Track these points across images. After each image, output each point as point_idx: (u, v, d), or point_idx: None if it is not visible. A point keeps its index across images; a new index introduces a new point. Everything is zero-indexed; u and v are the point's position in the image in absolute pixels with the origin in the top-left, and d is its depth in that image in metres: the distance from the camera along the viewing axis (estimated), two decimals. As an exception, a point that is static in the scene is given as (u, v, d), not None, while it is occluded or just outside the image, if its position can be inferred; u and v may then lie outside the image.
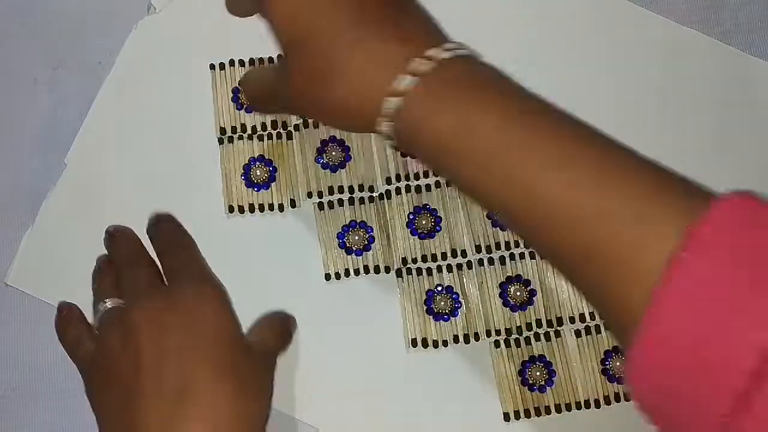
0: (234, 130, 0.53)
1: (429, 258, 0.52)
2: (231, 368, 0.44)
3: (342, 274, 0.51)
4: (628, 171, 0.37)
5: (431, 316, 0.51)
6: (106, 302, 0.48)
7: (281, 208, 0.52)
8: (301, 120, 0.53)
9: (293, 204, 0.52)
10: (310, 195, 0.52)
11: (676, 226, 0.34)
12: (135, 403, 0.43)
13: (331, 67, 0.40)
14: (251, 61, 0.54)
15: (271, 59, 0.54)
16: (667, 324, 0.33)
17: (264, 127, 0.53)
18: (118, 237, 0.51)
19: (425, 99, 0.39)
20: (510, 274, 0.52)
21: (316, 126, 0.53)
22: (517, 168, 0.38)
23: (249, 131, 0.53)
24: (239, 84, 0.53)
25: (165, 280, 0.49)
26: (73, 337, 0.49)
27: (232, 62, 0.54)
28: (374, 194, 0.52)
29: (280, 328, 0.50)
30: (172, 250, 0.50)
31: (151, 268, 0.50)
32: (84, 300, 0.51)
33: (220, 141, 0.53)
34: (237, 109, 0.54)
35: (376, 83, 0.40)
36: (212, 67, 0.54)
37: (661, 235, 0.34)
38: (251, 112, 0.53)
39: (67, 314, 0.50)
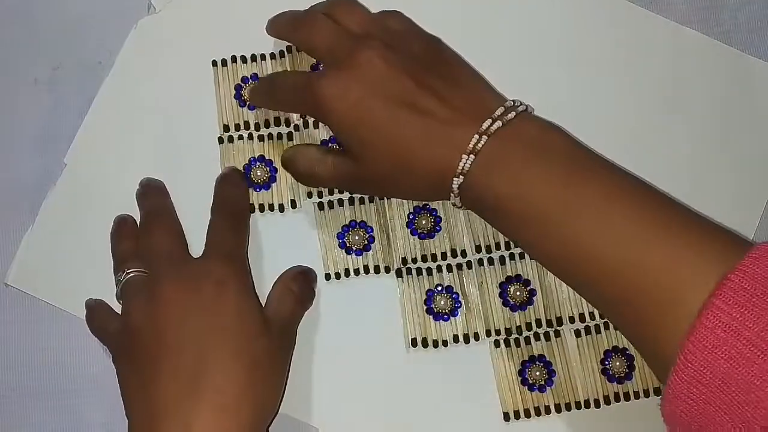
0: (237, 127, 0.53)
1: (429, 258, 0.52)
2: (246, 353, 0.45)
3: (342, 274, 0.51)
4: (669, 223, 0.41)
5: (431, 316, 0.51)
6: (128, 272, 0.48)
7: (281, 208, 0.52)
8: (302, 120, 0.53)
9: (294, 204, 0.52)
10: (310, 195, 0.52)
11: (711, 275, 0.38)
12: (154, 380, 0.44)
13: (401, 163, 0.45)
14: (253, 57, 0.54)
15: (273, 55, 0.54)
16: (697, 364, 0.37)
17: (267, 124, 0.53)
18: (147, 188, 0.52)
19: (482, 173, 0.44)
20: (510, 274, 0.52)
21: (316, 126, 0.53)
22: (563, 231, 0.43)
23: (252, 128, 0.53)
24: (283, 161, 0.52)
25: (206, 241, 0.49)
26: (100, 322, 0.49)
27: (234, 59, 0.54)
28: (374, 194, 0.53)
29: (297, 291, 0.50)
30: (222, 214, 0.50)
31: (178, 238, 0.50)
32: (84, 299, 0.51)
33: (220, 140, 0.53)
34: (240, 105, 0.54)
35: (442, 168, 0.44)
36: (214, 63, 0.54)
37: (696, 283, 0.38)
38: (254, 109, 0.53)
39: (94, 306, 0.50)
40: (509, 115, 0.44)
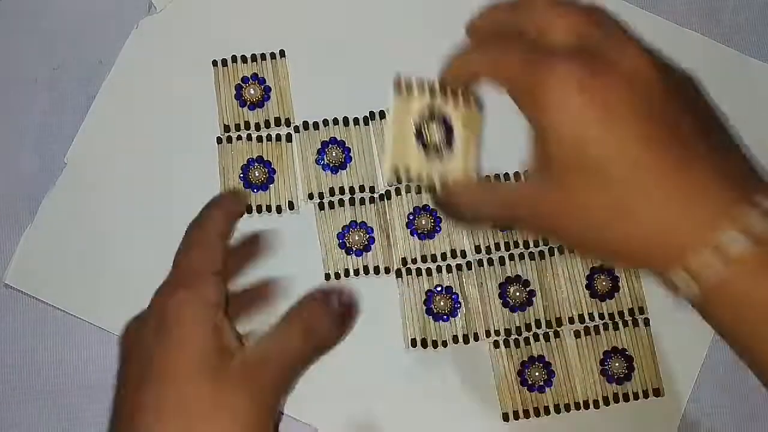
0: (237, 127, 0.53)
1: (429, 258, 0.52)
2: (169, 396, 0.36)
3: (342, 275, 0.52)
4: None
5: (431, 317, 0.51)
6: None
7: (279, 209, 0.52)
8: (302, 121, 0.53)
9: (291, 206, 0.52)
10: (311, 196, 0.52)
11: None
12: (144, 386, 0.37)
13: (625, 204, 0.33)
14: (253, 57, 0.54)
15: (273, 55, 0.54)
16: None
17: (268, 124, 0.53)
18: (221, 202, 0.44)
19: (762, 267, 0.32)
20: (509, 274, 0.52)
21: (316, 128, 0.53)
22: None
23: (252, 128, 0.53)
24: (438, 200, 0.40)
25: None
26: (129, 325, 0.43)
27: (234, 59, 0.54)
28: (374, 195, 0.52)
29: (307, 318, 0.39)
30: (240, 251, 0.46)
31: (212, 256, 0.41)
32: (83, 300, 0.51)
33: (219, 141, 0.53)
34: (240, 106, 0.54)
35: (684, 228, 0.32)
36: (215, 63, 0.54)
37: None
38: (254, 109, 0.53)
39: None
40: None
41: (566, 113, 0.33)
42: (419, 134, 0.38)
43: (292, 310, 0.40)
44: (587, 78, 0.33)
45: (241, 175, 0.53)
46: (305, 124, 0.53)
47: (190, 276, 0.40)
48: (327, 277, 0.52)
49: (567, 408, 0.50)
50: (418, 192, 0.52)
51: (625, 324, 0.52)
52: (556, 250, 0.52)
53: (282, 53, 0.54)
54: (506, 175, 0.53)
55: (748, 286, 0.32)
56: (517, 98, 0.35)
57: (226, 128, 0.53)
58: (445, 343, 0.51)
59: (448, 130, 0.39)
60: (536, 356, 0.51)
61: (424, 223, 0.52)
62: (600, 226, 0.34)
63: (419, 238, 0.52)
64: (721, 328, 0.34)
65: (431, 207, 0.52)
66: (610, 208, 0.33)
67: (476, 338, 0.51)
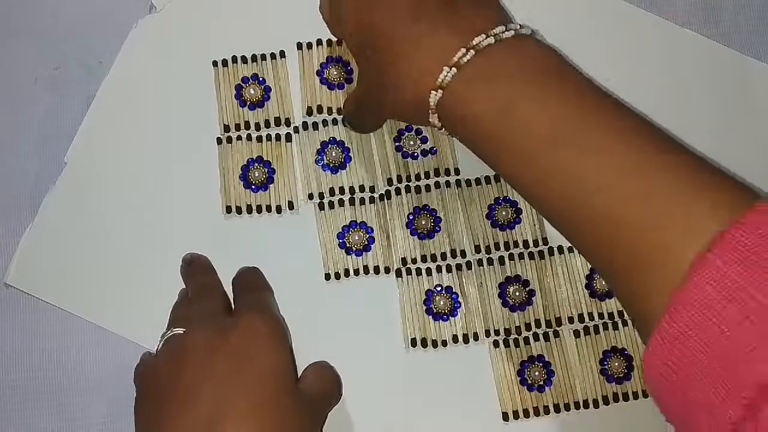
0: (237, 127, 0.53)
1: (428, 258, 0.52)
2: (268, 406, 0.42)
3: (342, 275, 0.52)
4: (677, 163, 0.37)
5: (431, 316, 0.51)
6: (172, 330, 0.47)
7: (279, 209, 0.52)
8: (301, 122, 0.53)
9: (291, 206, 0.52)
10: (311, 197, 0.52)
11: (713, 226, 0.34)
12: (168, 422, 0.42)
13: (392, 66, 0.42)
14: (253, 58, 0.54)
15: (273, 55, 0.54)
16: (683, 324, 0.33)
17: (268, 124, 0.53)
18: (193, 266, 0.51)
19: (465, 89, 0.40)
20: (509, 274, 0.52)
21: (315, 128, 0.53)
22: (552, 157, 0.38)
23: (252, 128, 0.53)
24: (344, 118, 0.52)
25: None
26: (139, 363, 0.49)
27: (234, 59, 0.54)
28: (374, 195, 0.53)
29: (330, 376, 0.49)
30: (245, 290, 0.50)
31: (222, 300, 0.49)
32: (83, 300, 0.51)
33: (219, 141, 0.53)
34: (240, 106, 0.54)
35: (423, 77, 0.41)
36: (215, 63, 0.54)
37: (696, 233, 0.34)
38: (254, 109, 0.53)
39: (144, 357, 0.49)
40: (506, 33, 0.41)
41: (347, 18, 0.44)
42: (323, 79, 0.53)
43: (326, 365, 0.49)
44: None
45: (241, 176, 0.53)
46: (305, 125, 0.53)
47: (268, 310, 0.48)
48: (327, 277, 0.52)
49: (567, 407, 0.50)
50: (418, 192, 0.52)
51: (625, 323, 0.52)
52: (555, 250, 0.52)
53: (282, 53, 0.54)
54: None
55: (466, 94, 0.40)
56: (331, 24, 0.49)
57: (226, 128, 0.53)
58: (444, 343, 0.51)
59: (349, 72, 0.53)
60: (536, 356, 0.51)
61: (423, 223, 0.52)
62: (383, 95, 0.44)
63: (419, 238, 0.52)
64: (483, 157, 0.42)
65: (431, 206, 0.52)
66: (383, 77, 0.43)
67: (476, 338, 0.51)
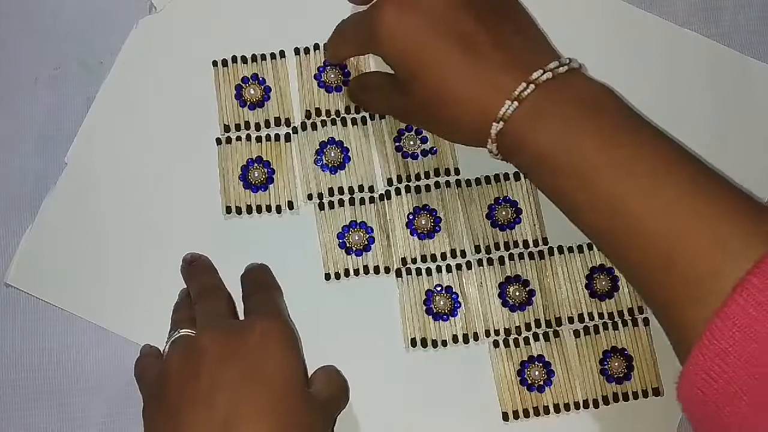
0: (238, 127, 0.53)
1: (428, 258, 0.52)
2: (282, 411, 0.43)
3: (342, 275, 0.52)
4: (719, 197, 0.40)
5: (431, 316, 0.51)
6: (179, 331, 0.47)
7: (279, 209, 0.52)
8: (300, 122, 0.53)
9: (291, 206, 0.52)
10: (310, 197, 0.52)
11: (753, 254, 0.37)
12: (184, 423, 0.42)
13: (444, 97, 0.45)
14: (253, 58, 0.54)
15: (273, 55, 0.54)
16: (724, 341, 0.36)
17: (268, 124, 0.53)
18: (195, 266, 0.51)
19: (526, 120, 0.43)
20: (509, 274, 0.52)
21: (314, 129, 0.53)
22: (609, 188, 0.41)
23: (253, 128, 0.53)
24: (351, 89, 0.53)
25: (244, 316, 0.49)
26: (142, 366, 0.49)
27: (234, 59, 0.54)
28: (374, 195, 0.53)
29: (338, 380, 0.49)
30: (255, 290, 0.50)
31: (227, 301, 0.50)
32: (84, 299, 0.51)
33: (218, 142, 0.53)
34: (240, 106, 0.54)
35: (484, 110, 0.44)
36: (215, 63, 0.54)
37: (736, 260, 0.37)
38: (254, 109, 0.53)
39: (144, 351, 0.50)
40: (561, 69, 0.44)
41: (384, 42, 0.45)
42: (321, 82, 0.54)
43: (333, 369, 0.50)
44: (393, 3, 0.45)
45: (241, 176, 0.53)
46: (303, 125, 0.53)
47: (280, 314, 0.49)
48: (327, 277, 0.52)
49: (567, 408, 0.50)
50: (418, 192, 0.52)
51: (625, 324, 0.52)
52: (555, 250, 0.52)
53: (282, 53, 0.54)
54: (506, 175, 0.53)
55: (527, 126, 0.43)
56: (364, 46, 0.50)
57: (227, 128, 0.53)
58: (444, 343, 0.51)
59: (346, 74, 0.54)
60: (536, 356, 0.51)
61: (423, 222, 0.52)
62: (437, 119, 0.47)
63: (419, 238, 0.52)
64: (540, 185, 0.46)
65: (431, 206, 0.52)
66: (438, 104, 0.45)
67: (476, 338, 0.51)
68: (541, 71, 0.43)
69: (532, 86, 0.43)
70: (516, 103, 0.43)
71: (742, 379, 0.35)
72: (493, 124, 0.43)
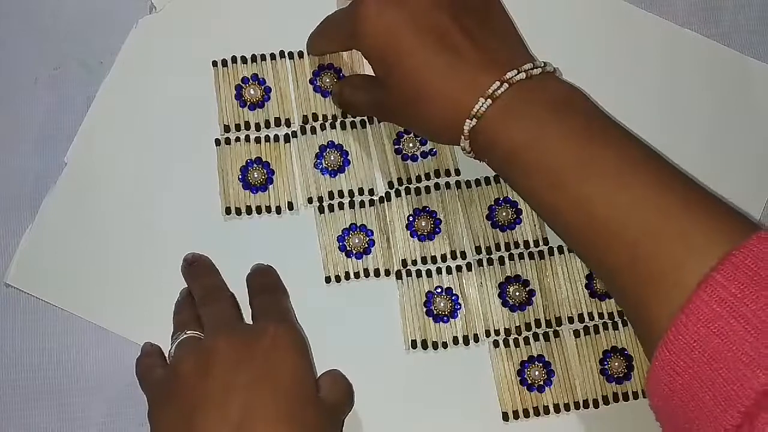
0: (237, 127, 0.53)
1: (429, 260, 0.52)
2: (294, 415, 0.43)
3: (342, 277, 0.52)
4: (685, 196, 0.41)
5: (431, 318, 0.51)
6: (186, 332, 0.47)
7: (279, 210, 0.52)
8: (299, 126, 0.53)
9: (291, 206, 0.52)
10: (310, 200, 0.52)
11: (716, 251, 0.38)
12: (195, 426, 0.42)
13: (419, 93, 0.45)
14: (253, 58, 0.54)
15: (273, 55, 0.54)
16: (689, 337, 0.36)
17: (268, 124, 0.53)
18: (196, 267, 0.51)
19: (499, 119, 0.43)
20: (509, 274, 0.52)
21: (313, 132, 0.53)
22: (577, 187, 0.42)
23: (253, 128, 0.53)
24: (334, 92, 0.54)
25: (252, 319, 0.49)
26: (146, 366, 0.49)
27: (234, 59, 0.54)
28: (374, 197, 0.53)
29: (344, 384, 0.49)
30: (262, 292, 0.50)
31: (232, 303, 0.50)
32: (84, 300, 0.51)
33: (217, 142, 0.53)
34: (240, 106, 0.54)
35: (458, 107, 0.44)
36: (214, 63, 0.54)
37: (700, 257, 0.38)
38: (254, 110, 0.53)
39: (146, 349, 0.50)
40: (535, 71, 0.44)
41: (365, 36, 0.46)
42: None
43: (338, 372, 0.49)
44: (382, 3, 0.45)
45: (240, 177, 0.53)
46: (302, 129, 0.53)
47: (288, 318, 0.49)
48: (327, 280, 0.52)
49: (567, 407, 0.51)
50: (418, 194, 0.52)
51: (625, 324, 0.52)
52: (556, 250, 0.52)
53: (282, 54, 0.54)
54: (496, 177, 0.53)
55: (499, 124, 0.43)
56: (345, 41, 0.49)
57: (226, 128, 0.53)
58: (445, 345, 0.51)
59: (342, 78, 0.54)
60: (536, 356, 0.51)
61: (423, 224, 0.52)
62: (413, 115, 0.47)
63: (419, 240, 0.52)
64: (501, 175, 0.48)
65: (430, 208, 0.52)
66: (414, 99, 0.46)
67: (476, 339, 0.51)
68: (516, 71, 0.44)
69: (506, 85, 0.43)
70: (489, 101, 0.43)
71: (706, 374, 0.36)
72: (467, 121, 0.44)
